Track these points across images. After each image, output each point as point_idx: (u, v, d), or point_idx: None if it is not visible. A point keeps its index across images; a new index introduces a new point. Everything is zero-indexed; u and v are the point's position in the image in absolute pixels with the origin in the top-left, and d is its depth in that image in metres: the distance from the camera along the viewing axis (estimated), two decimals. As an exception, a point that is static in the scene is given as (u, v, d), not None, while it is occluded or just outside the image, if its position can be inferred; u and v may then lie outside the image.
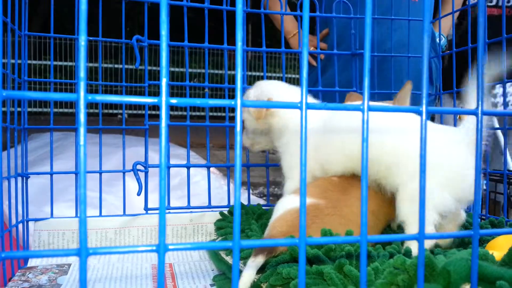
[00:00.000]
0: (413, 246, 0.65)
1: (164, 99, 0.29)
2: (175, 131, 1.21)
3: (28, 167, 0.92)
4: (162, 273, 0.30)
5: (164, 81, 0.29)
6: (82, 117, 0.29)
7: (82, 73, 0.29)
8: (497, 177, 1.23)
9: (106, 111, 6.79)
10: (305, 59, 0.32)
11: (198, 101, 0.30)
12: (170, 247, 0.30)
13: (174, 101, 0.31)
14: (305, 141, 0.32)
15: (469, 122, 0.69)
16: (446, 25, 1.35)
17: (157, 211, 0.97)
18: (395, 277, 0.44)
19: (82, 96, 0.29)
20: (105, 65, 6.93)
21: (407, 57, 1.18)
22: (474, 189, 0.38)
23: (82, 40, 0.29)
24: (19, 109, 0.88)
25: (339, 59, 1.15)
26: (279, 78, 1.11)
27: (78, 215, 0.27)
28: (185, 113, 1.06)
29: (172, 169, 1.46)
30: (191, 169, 1.07)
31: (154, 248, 0.30)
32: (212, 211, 1.00)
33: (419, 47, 1.20)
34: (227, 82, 1.08)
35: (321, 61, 1.18)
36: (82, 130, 0.29)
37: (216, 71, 7.39)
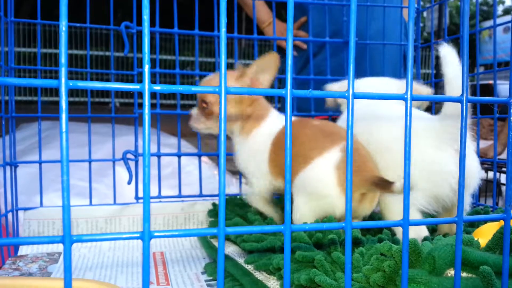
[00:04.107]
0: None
1: (147, 86, 0.29)
2: (167, 120, 1.20)
3: (18, 156, 0.91)
4: (147, 260, 0.30)
5: (146, 67, 0.29)
6: (63, 103, 0.28)
7: (63, 59, 0.29)
8: (488, 165, 1.25)
9: (97, 99, 6.72)
10: (290, 46, 0.32)
11: (181, 88, 0.30)
12: (155, 234, 0.30)
13: (157, 87, 0.30)
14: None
15: (448, 109, 0.65)
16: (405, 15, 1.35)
17: (148, 200, 0.97)
18: (381, 263, 0.45)
19: (63, 82, 0.28)
20: (96, 53, 6.83)
21: (397, 45, 1.18)
22: (459, 176, 0.38)
23: (63, 26, 0.29)
24: (6, 97, 0.87)
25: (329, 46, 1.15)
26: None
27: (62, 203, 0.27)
28: (179, 102, 1.05)
29: (164, 159, 1.45)
30: (184, 158, 1.07)
31: (138, 235, 0.30)
32: (203, 200, 1.00)
33: (394, 36, 1.20)
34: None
35: (312, 47, 1.18)
36: (64, 116, 0.28)
37: (208, 59, 7.33)
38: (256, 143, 0.80)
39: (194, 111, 0.84)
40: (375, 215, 0.85)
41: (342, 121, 0.88)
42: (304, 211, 0.70)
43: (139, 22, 0.94)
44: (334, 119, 0.99)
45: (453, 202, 0.67)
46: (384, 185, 0.60)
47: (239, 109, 0.81)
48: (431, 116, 0.72)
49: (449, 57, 0.62)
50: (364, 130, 0.74)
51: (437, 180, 0.64)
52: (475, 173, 0.66)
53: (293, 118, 0.80)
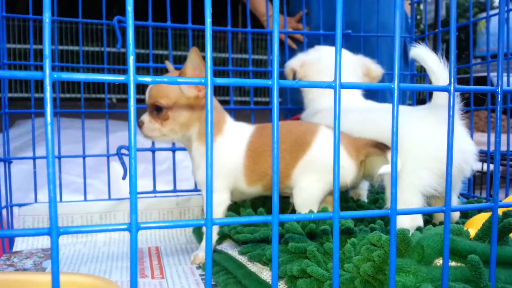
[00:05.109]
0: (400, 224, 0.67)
1: (131, 77, 0.29)
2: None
3: (14, 153, 0.91)
4: (135, 252, 0.30)
5: (131, 59, 0.29)
6: (48, 95, 0.28)
7: (47, 51, 0.28)
8: (482, 157, 1.26)
9: (94, 95, 6.69)
10: (275, 38, 0.32)
11: (166, 79, 0.30)
12: (142, 225, 0.30)
13: (147, 79, 0.30)
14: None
15: (438, 98, 0.68)
16: (407, 8, 1.35)
17: (143, 195, 0.97)
18: (371, 253, 0.45)
19: (47, 74, 0.28)
20: (92, 49, 6.80)
21: (391, 37, 1.18)
22: (447, 165, 0.38)
23: (46, 17, 0.29)
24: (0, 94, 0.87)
25: (326, 38, 1.15)
26: (266, 61, 1.10)
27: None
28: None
29: (162, 154, 1.45)
30: (180, 154, 1.06)
31: (125, 226, 0.30)
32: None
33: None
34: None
35: (307, 41, 1.18)
36: (48, 108, 0.28)
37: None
38: (224, 152, 0.74)
39: (146, 118, 0.74)
40: (365, 205, 0.86)
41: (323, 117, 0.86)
42: (314, 191, 0.72)
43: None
44: None
45: (455, 182, 0.70)
46: (381, 147, 0.69)
47: (194, 113, 0.73)
48: (427, 104, 0.73)
49: (423, 53, 0.64)
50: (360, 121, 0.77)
51: (444, 157, 0.66)
52: (471, 152, 0.68)
53: (254, 126, 0.78)
